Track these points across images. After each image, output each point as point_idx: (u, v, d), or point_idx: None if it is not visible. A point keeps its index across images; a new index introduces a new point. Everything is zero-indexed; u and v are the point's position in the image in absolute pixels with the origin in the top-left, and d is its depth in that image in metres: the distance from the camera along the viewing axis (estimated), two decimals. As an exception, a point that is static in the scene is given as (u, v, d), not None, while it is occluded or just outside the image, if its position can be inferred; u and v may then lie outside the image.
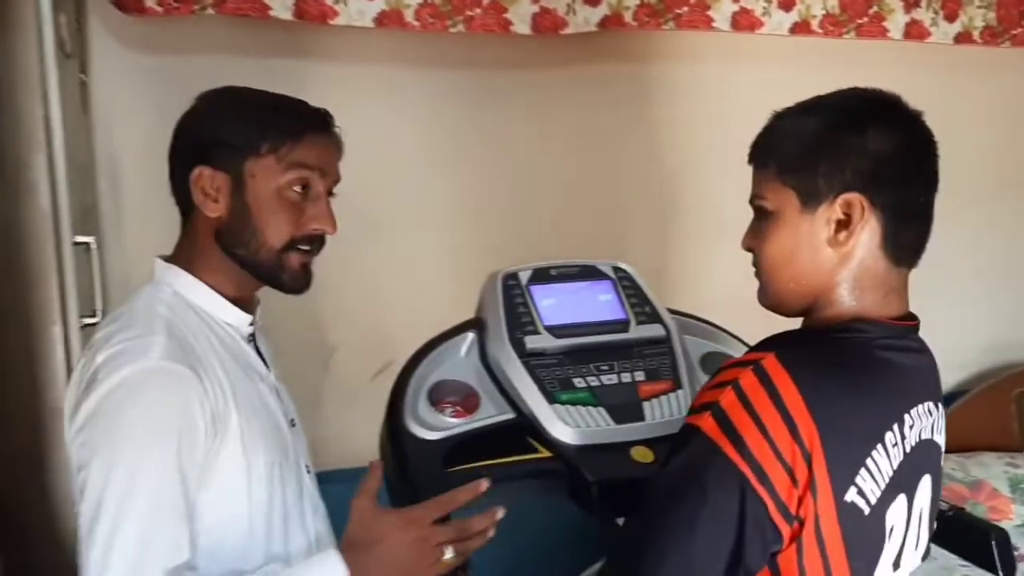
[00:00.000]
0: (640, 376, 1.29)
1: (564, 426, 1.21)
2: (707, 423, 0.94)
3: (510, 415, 1.24)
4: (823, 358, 0.97)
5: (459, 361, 1.31)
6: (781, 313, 1.07)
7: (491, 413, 1.25)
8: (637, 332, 1.34)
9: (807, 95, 2.25)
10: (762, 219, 1.05)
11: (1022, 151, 2.83)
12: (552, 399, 1.23)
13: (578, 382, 1.26)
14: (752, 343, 1.43)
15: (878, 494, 0.97)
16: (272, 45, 2.04)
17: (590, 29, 2.17)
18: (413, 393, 1.25)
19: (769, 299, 1.07)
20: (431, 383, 1.27)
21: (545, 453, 1.21)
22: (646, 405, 1.26)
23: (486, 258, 2.27)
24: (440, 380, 1.28)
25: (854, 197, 0.98)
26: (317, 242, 1.19)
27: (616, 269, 1.41)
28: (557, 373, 1.26)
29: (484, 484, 1.07)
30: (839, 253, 1.00)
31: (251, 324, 1.23)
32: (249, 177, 1.14)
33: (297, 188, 1.15)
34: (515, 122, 2.30)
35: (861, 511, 0.95)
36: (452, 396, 1.27)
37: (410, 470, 1.16)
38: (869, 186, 0.98)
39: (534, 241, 2.31)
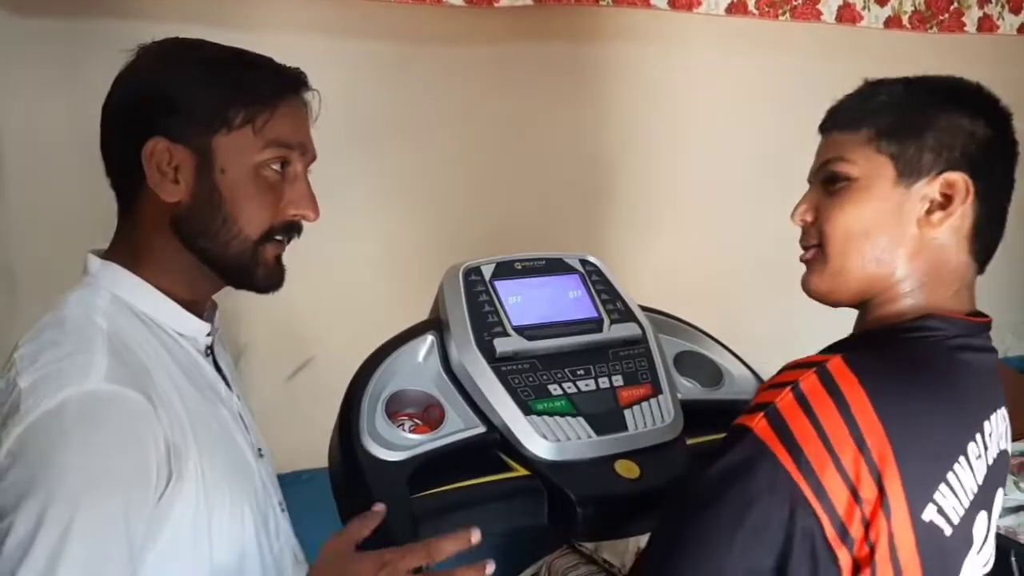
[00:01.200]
0: (618, 381, 1.17)
1: (542, 440, 1.08)
2: (759, 424, 0.84)
3: (479, 429, 1.10)
4: (895, 361, 0.87)
5: (417, 367, 1.16)
6: (831, 301, 0.97)
7: (457, 427, 1.10)
8: (612, 332, 1.21)
9: (742, 81, 2.19)
10: (835, 188, 0.94)
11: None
12: (527, 409, 1.09)
13: (554, 389, 1.12)
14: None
15: (961, 512, 0.87)
16: (180, 11, 1.82)
17: (526, 3, 2.04)
18: (368, 407, 1.09)
19: (827, 283, 0.95)
20: (387, 394, 1.11)
21: (521, 471, 1.08)
22: (627, 413, 1.14)
23: (409, 246, 2.15)
24: (397, 390, 1.12)
25: (959, 177, 0.89)
26: (295, 230, 1.01)
27: (584, 262, 1.28)
28: (531, 380, 1.12)
29: (476, 535, 0.94)
30: (925, 237, 0.91)
31: (208, 334, 1.03)
32: (219, 153, 0.94)
33: (275, 167, 0.97)
34: (441, 101, 2.15)
35: (942, 531, 0.86)
36: (410, 408, 1.12)
37: (372, 498, 1.00)
38: (974, 170, 0.90)
39: (460, 230, 2.18)
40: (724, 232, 2.47)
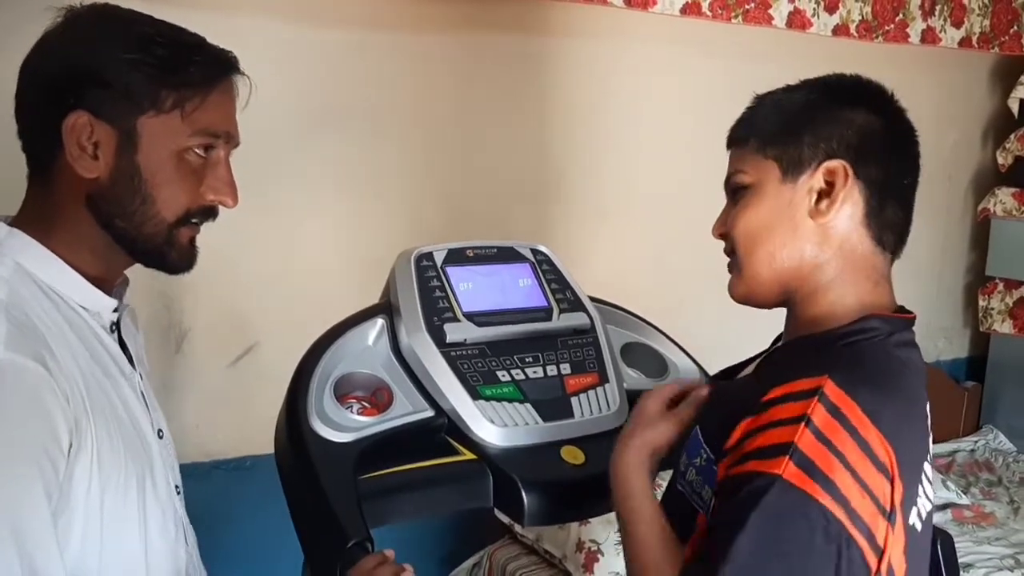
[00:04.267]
0: (566, 369, 1.19)
1: (490, 425, 1.09)
2: (788, 470, 0.81)
3: (427, 412, 1.11)
4: (874, 375, 0.88)
5: (366, 351, 1.16)
6: (756, 303, 0.99)
7: (405, 410, 1.11)
8: (561, 321, 1.23)
9: (694, 80, 2.20)
10: (738, 197, 0.98)
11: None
12: (476, 394, 1.10)
13: (502, 375, 1.14)
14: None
15: (928, 509, 0.91)
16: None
17: (484, -6, 2.04)
18: (317, 387, 1.09)
19: (744, 285, 0.98)
20: (336, 376, 1.11)
21: (467, 455, 1.09)
22: (574, 400, 1.16)
23: (359, 233, 2.14)
24: (346, 372, 1.12)
25: (837, 164, 0.92)
26: (212, 214, 1.00)
27: (535, 252, 1.30)
28: (480, 366, 1.13)
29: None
30: (821, 227, 0.93)
31: (115, 311, 1.01)
32: (144, 135, 0.92)
33: (200, 151, 0.95)
34: (396, 88, 2.13)
35: (917, 531, 0.89)
36: (359, 390, 1.12)
37: (318, 479, 1.00)
38: (854, 156, 0.92)
39: (411, 217, 2.17)
40: (671, 227, 2.50)
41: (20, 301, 0.89)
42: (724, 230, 1.00)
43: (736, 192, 0.99)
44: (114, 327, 1.01)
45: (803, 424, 0.83)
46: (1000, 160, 3.05)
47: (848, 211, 0.93)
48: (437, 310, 1.16)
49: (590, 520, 2.04)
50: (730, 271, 1.00)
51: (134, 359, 1.03)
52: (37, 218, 0.95)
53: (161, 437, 1.04)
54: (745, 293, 0.99)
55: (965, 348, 3.36)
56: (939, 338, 3.23)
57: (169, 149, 0.93)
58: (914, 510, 0.88)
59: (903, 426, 0.87)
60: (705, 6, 2.36)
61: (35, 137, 0.95)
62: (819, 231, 0.94)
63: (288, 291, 2.06)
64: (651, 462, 0.99)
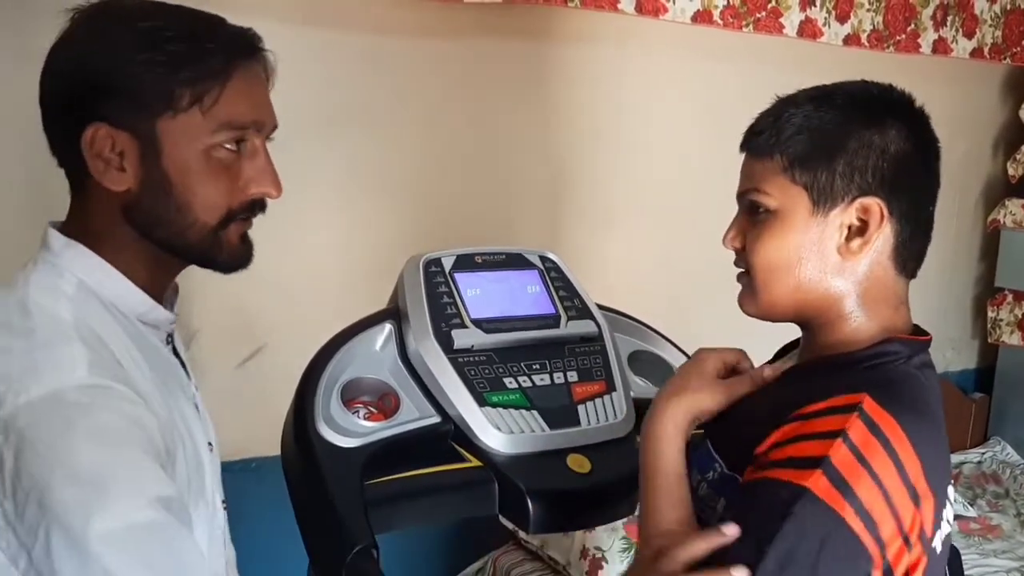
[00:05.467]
0: (573, 376, 1.18)
1: (496, 432, 1.09)
2: (819, 484, 0.79)
3: (434, 419, 1.11)
4: (909, 394, 0.87)
5: (374, 356, 1.16)
6: (769, 320, 0.96)
7: (412, 416, 1.11)
8: (568, 328, 1.23)
9: (704, 87, 2.19)
10: (758, 217, 0.92)
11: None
12: (482, 401, 1.10)
13: (509, 382, 1.14)
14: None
15: (948, 530, 0.90)
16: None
17: (495, 0, 2.04)
18: (324, 392, 1.09)
19: (760, 307, 0.94)
20: (343, 381, 1.12)
21: (473, 462, 1.09)
22: (580, 408, 1.15)
23: (367, 237, 2.15)
24: (353, 377, 1.13)
25: (873, 202, 0.88)
26: (259, 208, 0.94)
27: (543, 259, 1.30)
28: (487, 372, 1.13)
29: None
30: (848, 262, 0.90)
31: (172, 322, 0.97)
32: (165, 139, 0.86)
33: (229, 146, 0.89)
34: (407, 93, 2.14)
35: (937, 551, 0.88)
36: (366, 395, 1.12)
37: (325, 484, 1.00)
38: (888, 190, 0.89)
39: (420, 221, 2.18)
40: (680, 233, 2.50)
41: (89, 321, 0.86)
42: (739, 246, 0.95)
43: (755, 210, 0.93)
44: (169, 339, 0.98)
45: (839, 439, 0.80)
46: (1011, 171, 3.04)
47: (879, 245, 0.90)
48: (445, 316, 1.16)
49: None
50: (740, 282, 0.96)
51: (188, 369, 1.01)
52: (84, 231, 0.91)
53: (211, 449, 1.01)
54: (758, 314, 0.95)
55: (973, 359, 3.35)
56: (947, 349, 3.22)
57: (194, 149, 0.88)
58: (938, 533, 0.87)
59: (933, 448, 0.86)
60: (716, 14, 2.36)
61: (62, 153, 0.91)
62: (846, 265, 0.90)
63: (297, 294, 2.06)
64: (690, 430, 0.93)
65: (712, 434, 0.95)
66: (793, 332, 1.01)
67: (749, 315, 0.96)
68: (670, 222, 2.51)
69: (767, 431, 0.85)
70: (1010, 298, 3.08)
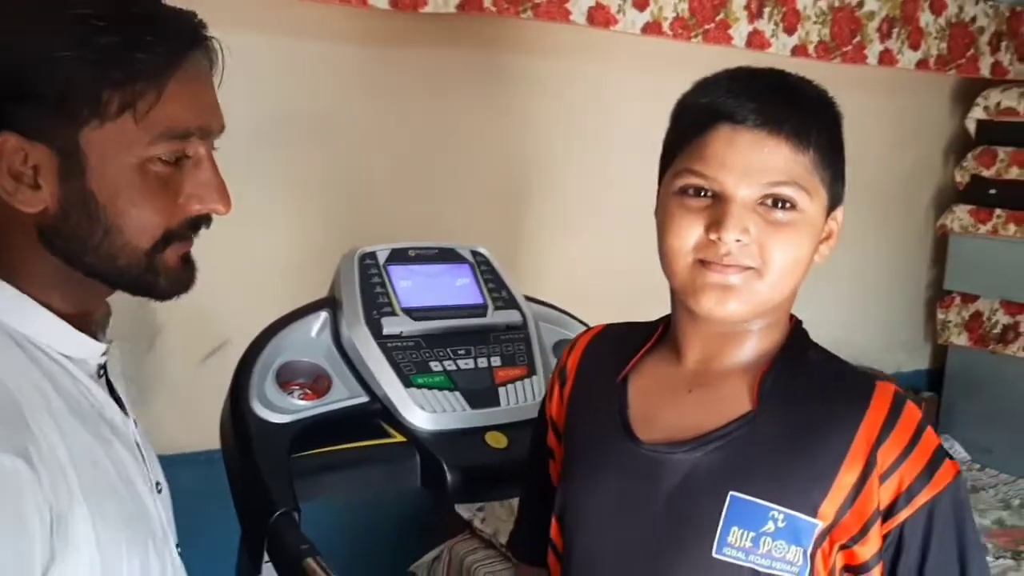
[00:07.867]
0: (496, 361, 1.28)
1: (419, 410, 1.18)
2: (955, 469, 0.84)
3: (363, 398, 1.20)
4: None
5: (310, 341, 1.25)
6: (743, 321, 0.87)
7: (342, 396, 1.20)
8: (494, 317, 1.32)
9: (656, 97, 2.25)
10: (778, 212, 0.82)
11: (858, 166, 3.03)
12: (408, 382, 1.19)
13: (435, 366, 1.23)
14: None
15: None
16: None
17: (449, 11, 2.13)
18: (260, 373, 1.18)
19: (755, 307, 0.85)
20: (279, 363, 1.20)
21: (398, 438, 1.18)
22: (501, 390, 1.25)
23: (329, 237, 2.22)
24: (289, 360, 1.21)
25: (841, 210, 0.88)
26: (203, 221, 0.81)
27: (475, 253, 1.39)
28: (414, 356, 1.22)
29: None
30: (810, 265, 0.87)
31: (103, 354, 0.83)
32: (90, 152, 0.73)
33: (167, 158, 0.76)
34: (363, 99, 2.22)
35: None
36: (301, 378, 1.21)
37: (254, 455, 1.09)
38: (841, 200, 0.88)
39: (380, 223, 2.25)
40: (640, 238, 2.58)
41: None
42: (749, 241, 0.82)
43: (777, 204, 0.82)
44: (101, 371, 0.84)
45: (928, 424, 0.84)
46: (958, 178, 3.14)
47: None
48: (376, 304, 1.25)
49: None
50: (733, 278, 0.83)
51: (125, 405, 0.87)
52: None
53: (159, 491, 0.88)
54: (745, 316, 0.86)
55: (926, 361, 3.44)
56: (899, 351, 3.32)
57: (126, 163, 0.74)
58: None
59: None
60: (666, 26, 2.44)
61: None
62: (808, 268, 0.87)
63: (257, 290, 2.13)
64: None
65: (737, 484, 0.84)
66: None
67: (731, 315, 0.85)
68: (629, 225, 2.60)
69: (799, 463, 0.83)
70: (958, 300, 3.18)
